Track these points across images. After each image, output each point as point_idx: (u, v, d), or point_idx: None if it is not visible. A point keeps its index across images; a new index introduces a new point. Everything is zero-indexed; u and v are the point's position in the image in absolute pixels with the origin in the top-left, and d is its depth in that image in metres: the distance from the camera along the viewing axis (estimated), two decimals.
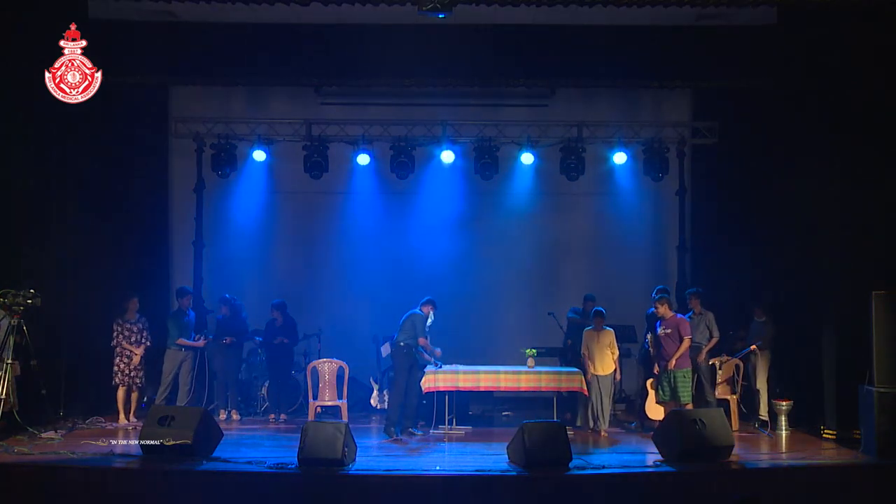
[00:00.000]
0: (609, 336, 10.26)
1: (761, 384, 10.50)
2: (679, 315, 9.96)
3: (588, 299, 11.16)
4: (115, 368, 10.45)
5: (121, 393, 10.48)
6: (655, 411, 9.96)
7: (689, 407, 9.59)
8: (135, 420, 10.31)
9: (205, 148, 12.15)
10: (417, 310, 10.06)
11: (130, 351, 10.44)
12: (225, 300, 11.26)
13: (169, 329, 10.85)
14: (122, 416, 10.43)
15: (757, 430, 10.16)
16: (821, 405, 9.74)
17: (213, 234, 12.55)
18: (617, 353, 10.26)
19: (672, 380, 9.71)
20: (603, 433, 10.03)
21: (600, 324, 10.27)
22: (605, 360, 10.20)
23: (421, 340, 9.92)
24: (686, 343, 9.72)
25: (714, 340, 10.43)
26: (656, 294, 10.16)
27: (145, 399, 11.16)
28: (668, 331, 9.79)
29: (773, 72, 11.03)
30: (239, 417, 11.09)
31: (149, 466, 7.85)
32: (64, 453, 8.22)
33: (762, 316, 10.63)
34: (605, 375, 10.18)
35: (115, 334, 10.46)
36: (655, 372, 10.00)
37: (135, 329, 10.53)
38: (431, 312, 10.10)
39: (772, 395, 10.37)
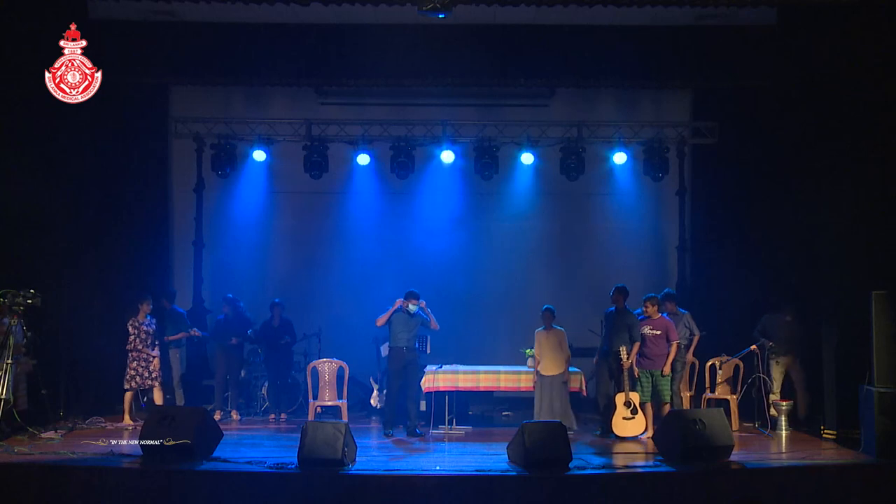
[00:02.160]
0: (559, 335, 10.01)
1: (800, 389, 10.33)
2: (667, 317, 9.90)
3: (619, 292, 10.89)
4: (132, 372, 10.32)
5: (129, 396, 10.38)
6: (623, 428, 9.64)
7: (667, 407, 9.62)
8: (134, 422, 10.25)
9: (205, 148, 12.16)
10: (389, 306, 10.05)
11: (147, 354, 10.36)
12: (227, 300, 11.25)
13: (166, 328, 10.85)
14: (126, 417, 10.35)
15: (757, 430, 10.15)
16: (821, 405, 9.74)
17: (213, 234, 12.57)
18: (568, 353, 9.96)
19: (654, 380, 9.69)
20: None
21: (550, 322, 10.05)
22: (555, 360, 9.93)
23: (378, 322, 9.93)
24: (675, 347, 9.73)
25: (697, 338, 10.50)
26: (662, 296, 10.21)
27: (145, 399, 11.16)
28: (657, 332, 9.75)
29: (773, 72, 11.04)
30: (239, 417, 11.08)
31: (149, 466, 7.84)
32: (64, 453, 8.21)
33: (789, 315, 10.43)
34: (554, 376, 9.91)
35: (131, 336, 10.34)
36: (636, 374, 9.84)
37: (150, 331, 10.47)
38: (409, 304, 9.92)
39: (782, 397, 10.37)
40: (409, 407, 9.94)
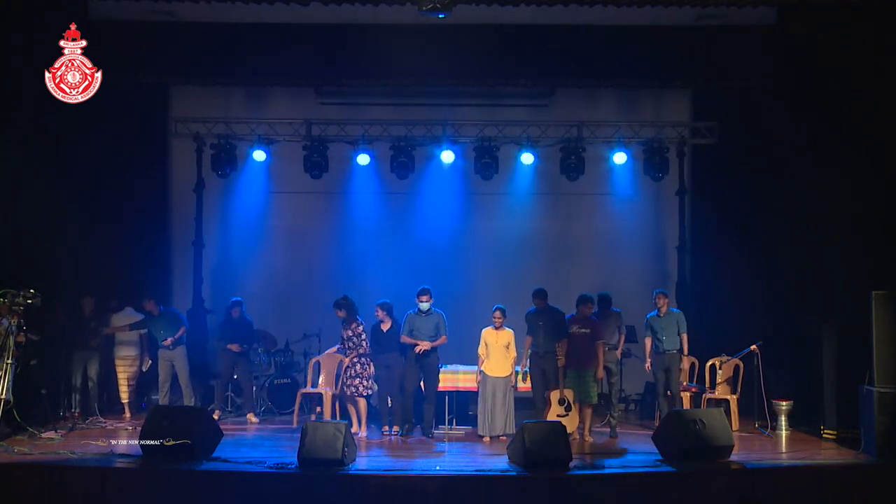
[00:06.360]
0: (507, 336, 9.85)
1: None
2: (593, 317, 9.85)
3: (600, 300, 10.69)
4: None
5: (362, 403, 9.97)
6: None
7: (588, 410, 9.69)
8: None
9: (205, 148, 12.15)
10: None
11: (365, 360, 9.99)
12: (237, 303, 10.95)
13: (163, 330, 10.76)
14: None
15: (757, 430, 10.15)
16: (821, 405, 9.74)
17: (212, 234, 12.56)
18: (515, 354, 9.85)
19: (584, 381, 9.62)
20: (502, 438, 9.59)
21: (500, 322, 9.89)
22: (501, 362, 9.79)
23: (402, 338, 9.94)
24: (602, 347, 9.72)
25: (622, 337, 10.50)
26: (597, 297, 10.12)
27: (145, 399, 11.16)
28: (585, 331, 9.71)
29: (774, 72, 11.05)
30: (257, 420, 10.74)
31: (149, 466, 7.84)
32: (64, 453, 8.22)
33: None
34: (500, 377, 9.76)
35: (343, 343, 10.08)
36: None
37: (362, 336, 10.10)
38: (421, 302, 10.01)
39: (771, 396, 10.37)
40: (426, 408, 9.90)
